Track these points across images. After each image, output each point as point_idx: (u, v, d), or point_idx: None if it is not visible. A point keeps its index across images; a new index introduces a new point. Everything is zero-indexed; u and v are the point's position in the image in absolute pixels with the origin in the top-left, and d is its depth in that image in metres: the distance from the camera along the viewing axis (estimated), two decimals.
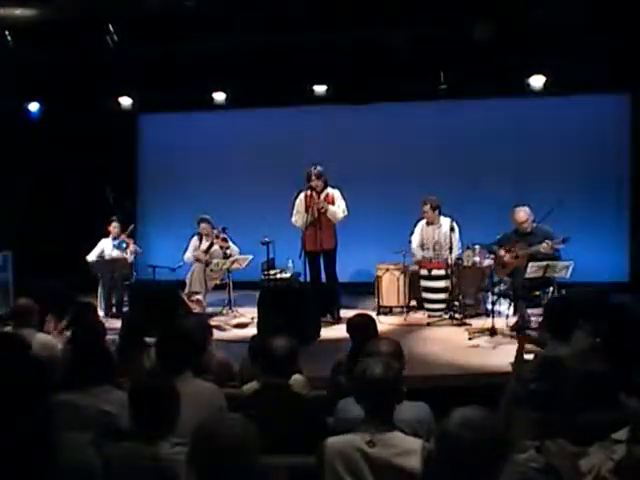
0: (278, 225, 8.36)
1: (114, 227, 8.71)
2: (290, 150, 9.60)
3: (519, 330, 6.74)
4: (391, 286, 8.10)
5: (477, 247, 7.92)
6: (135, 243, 9.00)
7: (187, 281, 8.28)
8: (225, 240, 8.48)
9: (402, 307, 8.07)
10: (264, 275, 8.18)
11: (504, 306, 7.65)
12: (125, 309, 8.24)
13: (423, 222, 8.24)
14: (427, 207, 8.06)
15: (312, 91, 8.85)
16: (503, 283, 7.60)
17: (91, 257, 8.58)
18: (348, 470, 2.59)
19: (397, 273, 8.08)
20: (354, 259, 9.20)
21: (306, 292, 7.44)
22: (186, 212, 9.43)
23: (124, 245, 8.69)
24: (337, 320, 7.67)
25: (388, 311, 8.18)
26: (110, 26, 7.19)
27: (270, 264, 8.21)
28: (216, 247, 8.47)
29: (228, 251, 8.44)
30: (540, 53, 7.75)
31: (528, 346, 4.69)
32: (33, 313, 4.75)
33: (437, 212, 8.08)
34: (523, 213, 7.19)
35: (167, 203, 10.28)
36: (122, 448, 2.61)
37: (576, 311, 4.15)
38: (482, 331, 7.01)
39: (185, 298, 8.01)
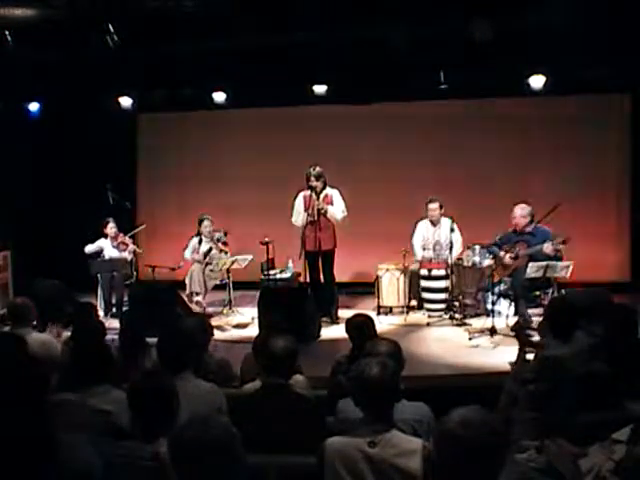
0: (278, 225, 8.36)
1: (110, 228, 8.65)
2: (290, 150, 9.60)
3: (519, 330, 6.73)
4: (391, 286, 8.09)
5: (477, 247, 7.92)
6: (135, 243, 8.97)
7: (187, 282, 8.26)
8: (225, 244, 8.47)
9: (402, 307, 8.07)
10: (264, 275, 8.19)
11: (504, 306, 7.65)
12: (125, 309, 8.22)
13: (424, 222, 8.26)
14: (436, 205, 8.09)
15: (312, 91, 8.83)
16: (503, 283, 7.61)
17: (88, 248, 8.53)
18: (348, 470, 2.59)
19: (397, 273, 8.08)
20: (354, 259, 9.20)
21: (306, 292, 7.44)
22: (186, 212, 9.42)
23: (121, 248, 8.67)
24: (335, 321, 7.66)
25: (388, 311, 8.18)
26: (110, 26, 7.18)
27: (270, 264, 8.21)
28: (215, 252, 8.44)
29: (225, 256, 8.41)
30: (540, 53, 7.75)
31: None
32: (30, 312, 4.72)
33: (442, 211, 8.11)
34: (519, 209, 7.29)
35: (167, 203, 10.27)
36: (122, 448, 2.61)
37: (576, 311, 4.15)
38: (482, 331, 7.02)
39: (186, 299, 8.00)
